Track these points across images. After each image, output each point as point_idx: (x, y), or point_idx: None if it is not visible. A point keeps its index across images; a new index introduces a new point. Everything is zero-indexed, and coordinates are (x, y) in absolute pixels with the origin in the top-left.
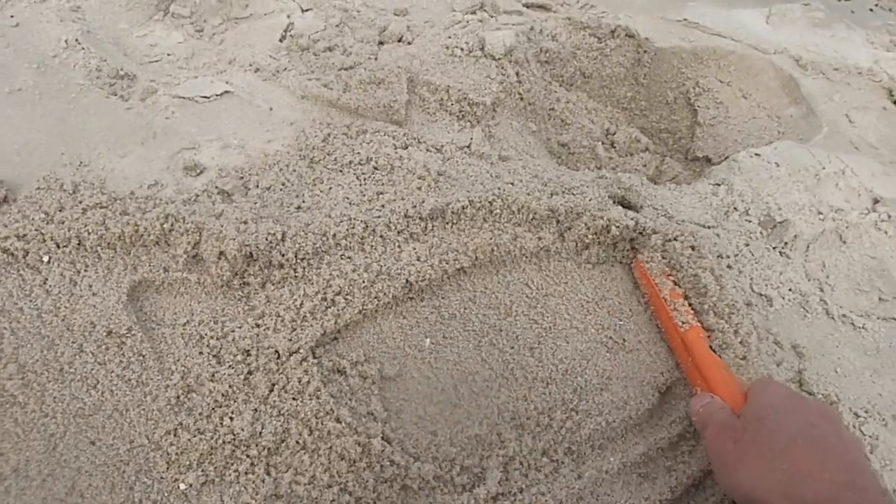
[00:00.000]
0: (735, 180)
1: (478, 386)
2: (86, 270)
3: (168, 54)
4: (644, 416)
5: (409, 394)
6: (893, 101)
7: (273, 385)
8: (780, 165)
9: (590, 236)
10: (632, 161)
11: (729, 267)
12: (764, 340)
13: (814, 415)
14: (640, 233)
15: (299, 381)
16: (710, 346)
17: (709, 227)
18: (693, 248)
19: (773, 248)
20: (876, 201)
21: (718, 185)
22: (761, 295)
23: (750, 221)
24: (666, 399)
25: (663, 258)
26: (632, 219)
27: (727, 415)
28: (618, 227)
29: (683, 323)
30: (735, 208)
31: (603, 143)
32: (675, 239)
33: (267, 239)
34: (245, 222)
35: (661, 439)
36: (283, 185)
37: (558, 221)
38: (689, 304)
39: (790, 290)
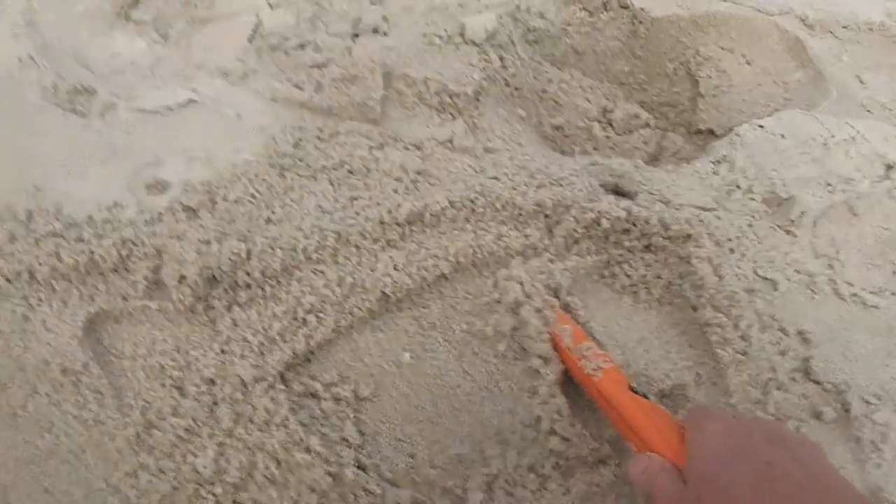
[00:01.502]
0: (737, 156)
1: (459, 401)
2: (39, 305)
3: (131, 63)
4: None
5: (386, 414)
6: None
7: (238, 416)
8: (785, 137)
9: (579, 230)
10: (631, 139)
11: (731, 251)
12: (768, 329)
13: (766, 449)
14: (633, 223)
15: (266, 411)
16: (632, 387)
17: (709, 210)
18: (689, 236)
19: (779, 226)
20: (889, 167)
21: (720, 162)
22: (766, 279)
23: (754, 199)
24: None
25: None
26: (624, 208)
27: (672, 480)
28: (608, 219)
29: (595, 370)
30: (738, 186)
31: (600, 122)
32: (668, 228)
33: (230, 259)
34: (207, 242)
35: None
36: (252, 196)
37: (546, 216)
38: (595, 341)
39: (796, 270)
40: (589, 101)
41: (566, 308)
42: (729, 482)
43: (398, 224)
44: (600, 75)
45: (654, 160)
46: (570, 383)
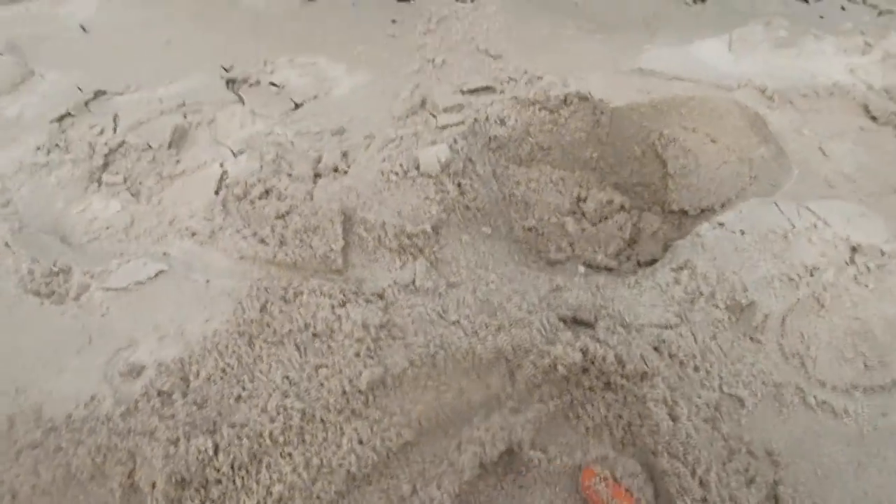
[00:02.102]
0: (698, 261)
1: None
2: None
3: (107, 227)
4: None
5: None
6: (871, 116)
7: None
8: (745, 233)
9: (539, 376)
10: (606, 227)
11: (696, 369)
12: (735, 454)
13: None
14: (592, 362)
15: None
16: None
17: (671, 328)
18: (644, 374)
19: (744, 334)
20: (854, 250)
21: (682, 268)
22: (732, 396)
23: (717, 307)
24: None
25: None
26: (580, 348)
27: None
28: (564, 364)
29: None
30: (701, 293)
31: (574, 215)
32: (624, 366)
33: (198, 458)
34: (176, 441)
35: None
36: (223, 371)
37: (507, 361)
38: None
39: (763, 383)
40: (560, 193)
41: (616, 480)
42: None
43: (360, 392)
44: (570, 164)
45: (632, 244)
46: None
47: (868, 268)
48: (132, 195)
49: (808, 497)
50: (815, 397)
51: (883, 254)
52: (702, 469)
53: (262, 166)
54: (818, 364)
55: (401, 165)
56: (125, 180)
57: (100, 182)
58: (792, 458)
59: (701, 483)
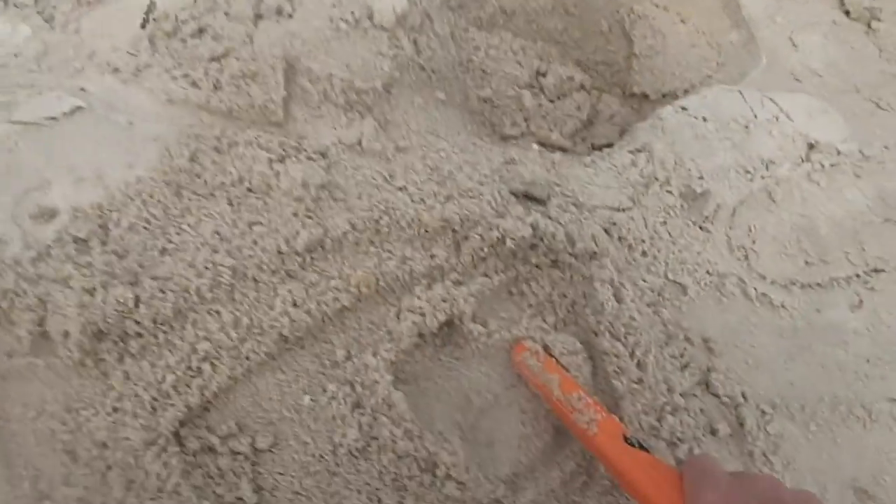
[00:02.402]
0: (657, 145)
1: (358, 447)
2: None
3: (16, 55)
4: (536, 456)
5: (284, 466)
6: (845, 10)
7: (130, 483)
8: (707, 120)
9: (485, 249)
10: (564, 105)
11: (644, 254)
12: (673, 339)
13: None
14: (541, 238)
15: (158, 477)
16: (627, 438)
17: (623, 210)
18: (594, 254)
19: (693, 222)
20: (811, 146)
21: (640, 151)
22: (675, 283)
23: (671, 193)
24: (562, 432)
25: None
26: (531, 224)
27: None
28: (513, 239)
29: (589, 423)
30: (656, 178)
31: (532, 89)
32: (574, 245)
33: (116, 310)
34: (93, 290)
35: (551, 479)
36: (147, 222)
37: (453, 231)
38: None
39: (707, 272)
40: (520, 64)
41: (549, 352)
42: None
43: (297, 253)
44: (532, 35)
45: (588, 126)
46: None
47: (822, 165)
48: (45, 20)
49: (737, 384)
50: (755, 289)
51: (838, 153)
52: (640, 351)
53: (195, 2)
54: (762, 257)
55: (352, 13)
56: (36, 2)
57: (6, 2)
58: (726, 346)
59: (639, 364)
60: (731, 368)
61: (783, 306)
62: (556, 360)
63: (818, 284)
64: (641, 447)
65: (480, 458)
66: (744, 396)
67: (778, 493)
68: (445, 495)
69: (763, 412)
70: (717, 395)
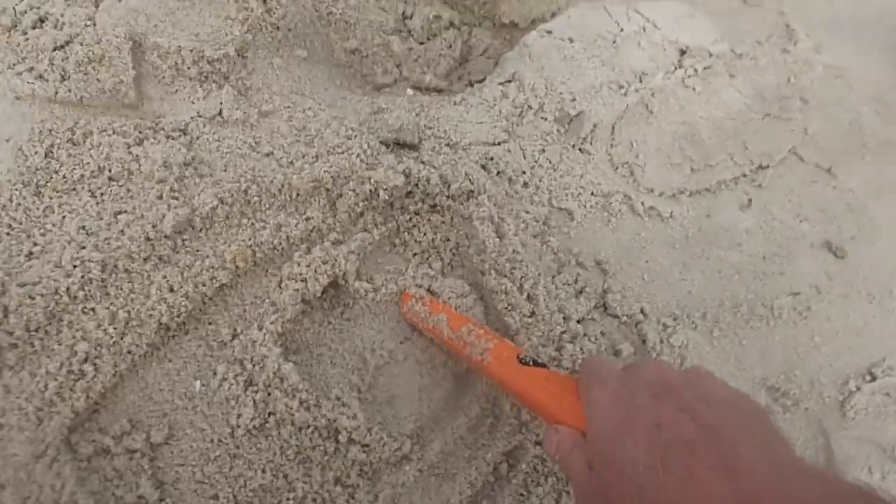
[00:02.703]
0: (526, 72)
1: (256, 425)
2: None
3: None
4: (439, 405)
5: (183, 456)
6: None
7: (25, 500)
8: (573, 41)
9: (360, 204)
10: (434, 45)
11: (525, 185)
12: (565, 267)
13: (651, 407)
14: (415, 184)
15: (52, 489)
16: (521, 358)
17: (498, 144)
18: (470, 193)
19: (572, 146)
20: (683, 52)
21: (509, 81)
22: (561, 209)
23: (546, 120)
24: (462, 378)
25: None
26: (403, 171)
27: (583, 461)
28: (386, 189)
29: (482, 354)
30: (529, 107)
31: (400, 34)
32: (449, 186)
33: None
34: None
35: (458, 427)
36: (10, 227)
37: (327, 191)
38: (472, 324)
39: (592, 193)
40: (384, 10)
41: (433, 293)
42: (627, 462)
43: (167, 237)
44: None
45: (463, 63)
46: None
47: (696, 70)
48: None
49: (635, 301)
50: (642, 204)
51: (710, 55)
52: (529, 284)
53: None
54: (646, 171)
55: None
56: None
57: None
58: (620, 265)
59: (529, 298)
60: (627, 287)
61: (672, 216)
62: (443, 301)
63: (706, 190)
64: (536, 364)
65: (382, 416)
66: (643, 313)
67: (665, 377)
68: (351, 460)
69: (664, 326)
70: (616, 316)
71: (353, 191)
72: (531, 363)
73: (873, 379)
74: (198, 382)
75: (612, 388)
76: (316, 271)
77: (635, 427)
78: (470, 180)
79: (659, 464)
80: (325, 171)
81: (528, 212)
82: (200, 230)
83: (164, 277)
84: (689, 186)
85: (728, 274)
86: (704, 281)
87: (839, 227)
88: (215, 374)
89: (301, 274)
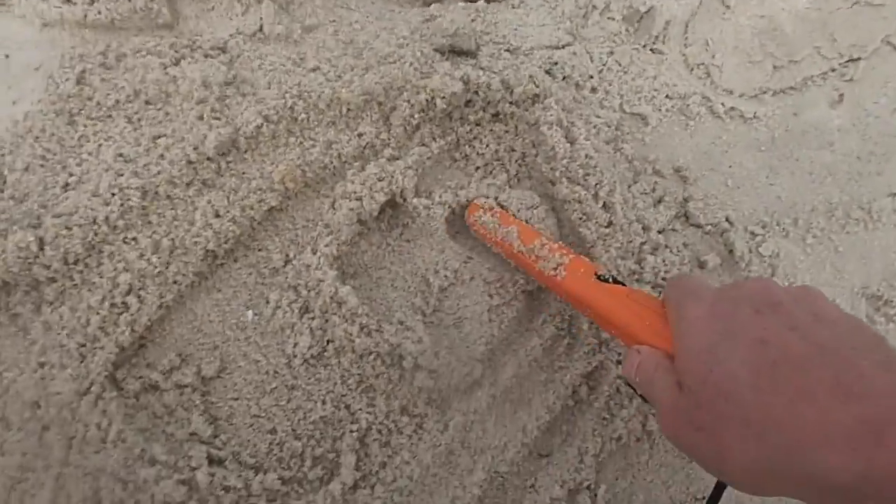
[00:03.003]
0: None
1: (314, 353)
2: None
3: None
4: (510, 326)
5: (237, 390)
6: None
7: (71, 440)
8: None
9: (416, 116)
10: None
11: (593, 90)
12: (641, 175)
13: (756, 323)
14: (475, 92)
15: (98, 427)
16: (599, 275)
17: (563, 47)
18: (535, 97)
19: (643, 46)
20: None
21: None
22: (634, 114)
23: (613, 19)
24: (534, 297)
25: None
26: (461, 78)
27: (669, 383)
28: (443, 98)
29: (556, 269)
30: (594, 6)
31: None
32: (512, 91)
33: (19, 257)
34: None
35: (532, 349)
36: (44, 159)
37: (379, 104)
38: (546, 238)
39: (667, 96)
40: None
41: (503, 206)
42: (725, 380)
43: (209, 159)
44: None
45: None
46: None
47: None
48: None
49: (719, 209)
50: (722, 105)
51: None
52: (605, 192)
53: None
54: (724, 71)
55: None
56: None
57: None
58: (700, 171)
59: (605, 206)
60: (709, 194)
61: (756, 117)
62: (512, 213)
63: (791, 88)
64: (616, 282)
65: (450, 340)
66: (729, 221)
67: (771, 292)
68: (418, 388)
69: (753, 234)
70: (699, 226)
71: (408, 102)
72: (610, 280)
73: None
74: (250, 312)
75: (709, 303)
76: (371, 189)
77: (737, 343)
78: (535, 83)
79: (765, 383)
80: (376, 83)
81: (598, 117)
82: (245, 151)
83: (209, 202)
84: (773, 85)
85: (820, 176)
86: (794, 184)
87: None
88: (268, 302)
89: (355, 192)
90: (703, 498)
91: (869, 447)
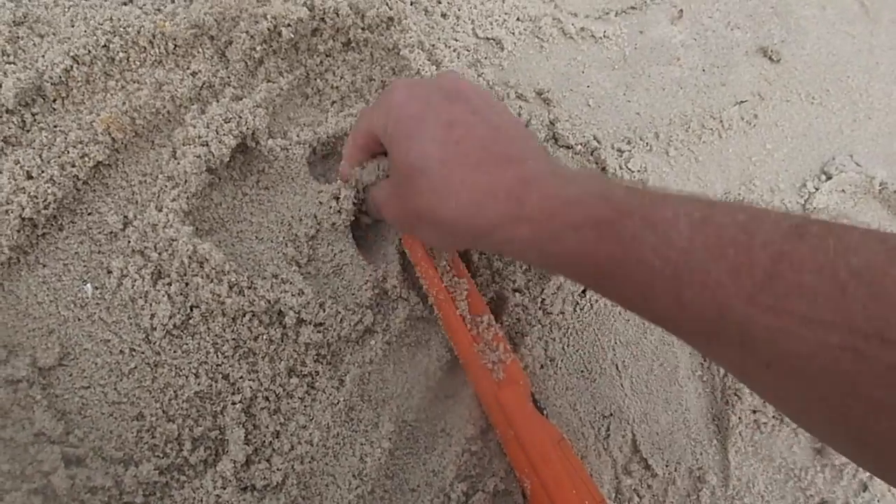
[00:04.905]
0: None
1: (177, 322)
2: None
3: None
4: (395, 266)
5: (87, 377)
6: None
7: None
8: None
9: (258, 49)
10: None
11: (444, 16)
12: (505, 101)
13: (445, 109)
14: (322, 20)
15: None
16: (536, 400)
17: None
18: (390, 20)
19: None
20: None
21: None
22: (489, 39)
23: None
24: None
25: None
26: (305, 3)
27: (377, 180)
28: (288, 26)
29: (495, 364)
30: None
31: None
32: (364, 16)
33: None
34: None
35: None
36: None
37: (211, 38)
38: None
39: (518, 19)
40: None
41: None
42: (420, 158)
43: (9, 111)
44: None
45: None
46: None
47: None
48: None
49: (586, 128)
50: (573, 26)
51: None
52: None
53: None
54: None
55: None
56: None
57: None
58: (562, 93)
59: None
60: (573, 115)
61: (606, 36)
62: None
63: (632, 8)
64: (540, 410)
65: (332, 289)
66: (596, 140)
67: (457, 84)
68: (305, 344)
69: (620, 151)
70: (569, 146)
71: (246, 33)
72: (544, 411)
73: (828, 178)
74: (88, 286)
75: (409, 89)
76: (218, 132)
77: (429, 124)
78: (388, 5)
79: (451, 156)
80: (205, 14)
81: (456, 40)
82: (55, 100)
83: (17, 162)
84: (614, 6)
85: (672, 90)
86: (650, 100)
87: (769, 32)
88: (110, 272)
89: (200, 137)
90: (612, 415)
91: (522, 194)
